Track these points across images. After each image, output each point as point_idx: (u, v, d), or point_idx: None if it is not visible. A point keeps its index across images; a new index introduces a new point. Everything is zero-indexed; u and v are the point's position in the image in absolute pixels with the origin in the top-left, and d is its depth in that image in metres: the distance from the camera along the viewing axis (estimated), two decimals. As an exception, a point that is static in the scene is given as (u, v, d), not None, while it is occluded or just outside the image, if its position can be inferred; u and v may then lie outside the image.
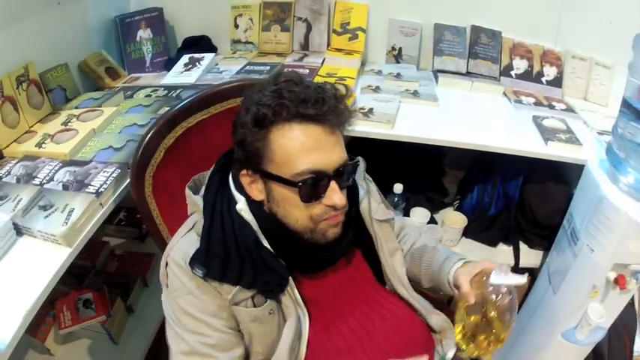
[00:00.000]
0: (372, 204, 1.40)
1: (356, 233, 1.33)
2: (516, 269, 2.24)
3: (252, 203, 1.16)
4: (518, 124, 2.11)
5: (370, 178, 1.50)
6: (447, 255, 1.41)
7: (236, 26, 2.54)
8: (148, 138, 1.42)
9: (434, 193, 2.48)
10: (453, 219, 2.29)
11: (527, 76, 2.43)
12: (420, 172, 2.43)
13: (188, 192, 1.24)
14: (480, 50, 2.44)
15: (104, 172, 1.60)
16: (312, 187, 1.09)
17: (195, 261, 1.11)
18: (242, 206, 1.16)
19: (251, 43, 2.55)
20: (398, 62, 2.53)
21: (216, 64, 2.35)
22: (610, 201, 1.60)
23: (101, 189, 1.52)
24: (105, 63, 2.32)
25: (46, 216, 1.43)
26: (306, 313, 1.21)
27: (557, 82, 2.44)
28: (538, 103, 2.26)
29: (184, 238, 1.18)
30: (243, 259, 1.12)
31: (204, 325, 1.14)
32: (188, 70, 2.23)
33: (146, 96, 2.11)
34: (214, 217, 1.15)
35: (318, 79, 2.14)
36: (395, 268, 1.42)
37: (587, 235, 1.71)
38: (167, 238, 1.44)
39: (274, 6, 2.47)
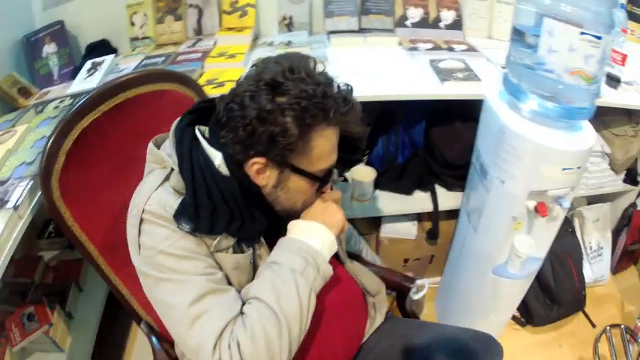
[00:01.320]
0: None
1: None
2: (437, 214, 2.40)
3: (229, 162, 1.20)
4: (414, 70, 2.20)
5: None
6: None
7: (132, 24, 2.64)
8: (49, 145, 1.48)
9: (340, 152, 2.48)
10: (361, 173, 2.36)
11: (423, 23, 2.52)
12: None
13: (152, 147, 1.28)
14: (371, 6, 2.53)
15: (19, 186, 1.70)
16: (327, 179, 1.27)
17: (182, 215, 1.13)
18: (220, 162, 1.20)
19: (148, 37, 2.65)
20: (290, 31, 2.63)
21: (117, 65, 2.45)
22: (513, 130, 1.67)
23: (18, 202, 1.63)
24: (17, 84, 2.43)
25: None
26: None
27: (456, 24, 2.53)
28: (436, 48, 2.36)
29: (158, 191, 1.19)
30: (230, 208, 1.18)
31: (206, 264, 1.17)
32: (91, 75, 2.34)
33: (54, 108, 2.21)
34: (194, 171, 1.17)
35: (209, 60, 2.30)
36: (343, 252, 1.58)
37: (496, 168, 1.78)
38: (80, 237, 1.52)
39: None
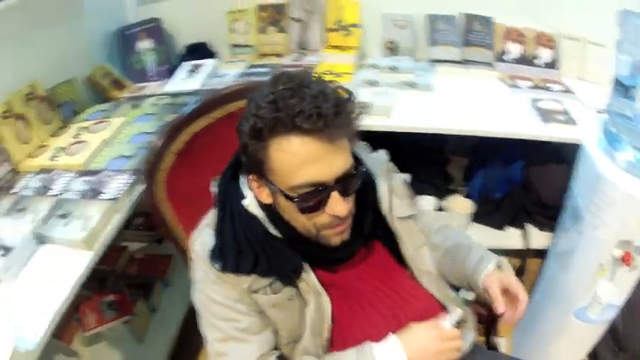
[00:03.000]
0: (394, 201, 1.42)
1: (375, 228, 1.38)
2: (526, 251, 2.39)
3: (275, 213, 1.22)
4: (516, 107, 2.21)
5: (396, 171, 1.54)
6: (480, 255, 1.42)
7: (233, 31, 2.73)
8: (158, 144, 1.52)
9: (439, 181, 2.59)
10: (460, 204, 2.42)
11: (522, 60, 2.54)
12: (424, 161, 2.55)
13: (212, 185, 1.34)
14: (473, 38, 2.58)
15: (117, 179, 1.77)
16: (310, 200, 1.11)
17: (212, 256, 1.20)
18: (249, 201, 1.23)
19: (249, 46, 2.74)
20: (394, 55, 2.71)
21: (218, 69, 2.55)
22: (608, 178, 1.70)
23: (117, 195, 1.69)
24: (110, 75, 2.54)
25: (66, 224, 1.61)
26: (327, 298, 1.27)
27: (552, 64, 2.54)
28: (535, 86, 2.37)
29: (202, 231, 1.27)
30: (255, 250, 1.19)
31: (233, 311, 1.22)
32: (191, 76, 2.41)
33: (152, 104, 2.31)
34: (225, 211, 1.23)
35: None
36: (422, 261, 1.46)
37: (590, 213, 1.81)
38: (182, 239, 1.54)
39: (269, 8, 2.67)
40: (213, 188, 1.31)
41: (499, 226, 2.46)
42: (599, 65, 2.45)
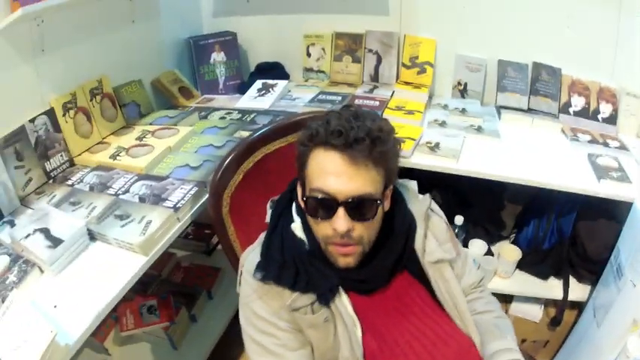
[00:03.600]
0: (430, 244, 1.46)
1: (409, 267, 1.45)
2: (564, 303, 2.42)
3: (307, 225, 1.34)
4: (574, 161, 2.25)
5: (440, 215, 1.58)
6: (497, 348, 1.42)
7: (308, 55, 2.80)
8: (229, 161, 1.62)
9: (492, 226, 2.62)
10: (508, 251, 2.46)
11: (584, 113, 2.59)
12: (481, 205, 2.59)
13: (268, 207, 1.47)
14: (540, 87, 2.64)
15: (181, 188, 1.80)
16: (318, 205, 1.24)
17: (257, 267, 1.32)
18: (297, 225, 1.37)
19: (322, 72, 2.81)
20: (463, 97, 2.78)
21: (289, 91, 2.61)
22: None
23: (179, 204, 1.72)
24: (178, 82, 2.59)
25: (123, 225, 1.64)
26: (358, 324, 1.33)
27: (612, 119, 2.57)
28: (593, 141, 2.42)
29: (255, 249, 1.40)
30: (296, 266, 1.31)
31: (273, 326, 1.32)
32: (262, 95, 2.53)
33: (221, 118, 2.37)
34: (276, 230, 1.38)
35: (388, 112, 2.41)
36: (457, 304, 1.46)
37: (632, 271, 1.89)
38: (240, 254, 1.57)
39: (346, 37, 2.74)
40: (269, 207, 1.45)
41: (544, 277, 2.49)
42: None
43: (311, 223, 1.29)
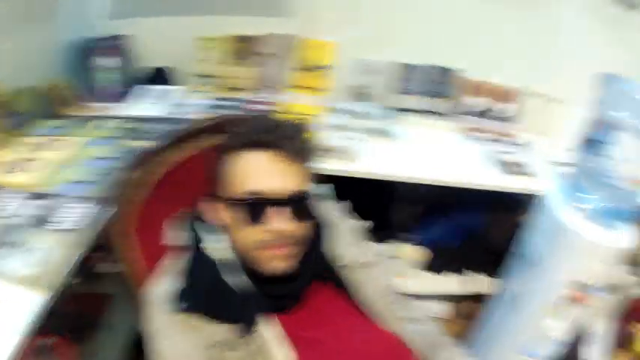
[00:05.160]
0: (347, 248, 1.43)
1: (327, 273, 1.38)
2: (473, 296, 2.55)
3: (222, 241, 1.26)
4: (478, 159, 2.37)
5: (354, 218, 1.57)
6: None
7: (202, 59, 2.65)
8: (129, 174, 1.44)
9: (392, 228, 2.66)
10: (412, 253, 2.52)
11: (483, 113, 2.69)
12: (379, 208, 2.53)
13: (175, 226, 1.35)
14: (441, 88, 2.70)
15: (77, 207, 1.62)
16: (254, 208, 1.18)
17: (179, 297, 1.18)
18: (214, 245, 1.25)
19: (217, 77, 2.66)
20: (363, 100, 2.75)
21: (183, 97, 2.50)
22: (573, 228, 1.90)
23: (76, 226, 1.54)
24: (67, 90, 2.40)
25: (13, 255, 1.41)
26: (288, 351, 1.21)
27: (510, 118, 2.70)
28: (496, 140, 2.54)
29: (165, 276, 1.27)
30: (224, 291, 1.20)
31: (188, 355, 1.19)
32: (156, 102, 2.34)
33: (114, 127, 2.21)
34: (193, 254, 1.25)
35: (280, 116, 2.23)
36: (379, 309, 1.41)
37: (545, 259, 2.01)
38: (144, 278, 1.41)
39: (241, 40, 2.62)
40: (176, 229, 1.32)
41: (447, 274, 2.55)
42: (558, 121, 2.62)
43: (235, 234, 1.23)
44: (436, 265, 2.57)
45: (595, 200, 1.91)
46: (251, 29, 2.59)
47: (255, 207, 1.18)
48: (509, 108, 2.69)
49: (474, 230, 2.59)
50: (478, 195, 2.30)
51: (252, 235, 1.20)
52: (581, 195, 1.95)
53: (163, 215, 1.41)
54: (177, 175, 1.53)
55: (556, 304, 2.01)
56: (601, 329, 2.94)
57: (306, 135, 1.27)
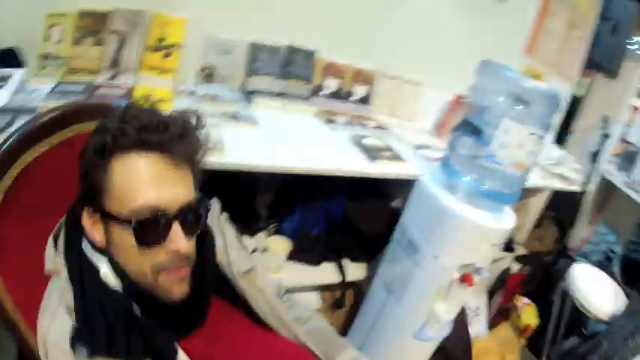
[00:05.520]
0: (232, 254, 1.37)
1: (220, 286, 1.31)
2: (344, 285, 2.56)
3: (115, 264, 1.08)
4: (339, 144, 2.38)
5: (227, 222, 1.49)
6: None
7: (47, 38, 2.32)
8: None
9: (247, 219, 2.59)
10: (277, 244, 2.48)
11: (336, 95, 2.74)
12: (240, 200, 2.49)
13: (50, 244, 1.13)
14: (293, 70, 2.68)
15: None
16: (150, 227, 1.02)
17: (78, 339, 1.00)
18: (106, 271, 1.08)
19: (60, 57, 2.35)
20: (210, 82, 2.60)
21: (26, 83, 2.16)
22: (454, 211, 2.01)
23: None
24: None
25: None
26: None
27: (365, 100, 2.78)
28: (350, 122, 2.56)
29: (58, 316, 1.05)
30: (127, 328, 1.03)
31: None
32: None
33: None
34: (84, 284, 1.05)
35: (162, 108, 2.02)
36: (276, 315, 1.40)
37: (430, 244, 2.10)
38: (12, 313, 1.22)
39: (90, 16, 2.32)
40: (51, 250, 1.12)
41: (316, 263, 2.55)
42: (412, 103, 2.83)
43: (126, 256, 1.06)
44: (296, 254, 2.51)
45: (473, 183, 2.02)
46: (102, 3, 2.30)
47: (150, 225, 1.01)
48: (362, 90, 2.75)
49: (338, 217, 2.58)
50: (342, 181, 2.29)
51: (147, 258, 1.04)
52: (459, 179, 2.05)
53: (21, 231, 1.24)
54: (34, 176, 1.26)
55: (446, 287, 2.10)
56: (482, 304, 3.19)
57: (197, 133, 1.10)
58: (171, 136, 1.01)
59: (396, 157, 2.32)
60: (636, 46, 4.49)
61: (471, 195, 2.03)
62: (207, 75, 2.57)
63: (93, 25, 2.33)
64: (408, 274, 2.18)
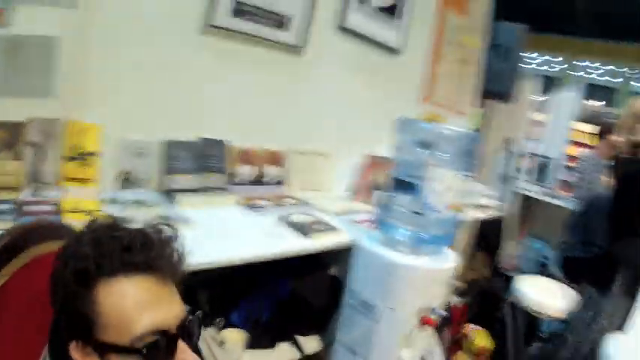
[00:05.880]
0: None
1: None
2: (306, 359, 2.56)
3: None
4: (270, 227, 2.36)
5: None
6: None
7: None
8: None
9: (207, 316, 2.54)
10: (233, 336, 2.40)
11: (253, 180, 2.76)
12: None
13: None
14: (209, 163, 2.64)
15: None
16: (158, 349, 0.94)
17: None
18: None
19: None
20: (129, 187, 2.47)
21: None
22: (398, 264, 2.13)
23: None
24: None
25: None
26: None
27: (280, 180, 2.83)
28: (272, 205, 2.57)
29: None
30: None
31: None
32: None
33: None
34: None
35: (68, 216, 1.96)
36: None
37: (385, 300, 2.18)
38: None
39: (2, 128, 2.15)
40: None
41: (272, 346, 2.52)
42: (324, 174, 2.92)
43: None
44: (250, 342, 2.44)
45: (413, 234, 2.14)
46: (15, 113, 2.16)
47: (158, 347, 0.94)
48: (275, 170, 2.79)
49: (285, 297, 2.59)
50: (284, 260, 2.26)
51: None
52: (399, 234, 2.17)
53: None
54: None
55: (408, 334, 2.18)
56: (433, 344, 3.25)
57: (175, 244, 1.03)
58: (157, 254, 0.98)
59: (328, 228, 2.38)
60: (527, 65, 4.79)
61: (413, 245, 2.15)
62: (125, 180, 2.45)
63: (8, 137, 2.17)
64: (368, 332, 2.25)
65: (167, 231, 1.05)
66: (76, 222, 1.58)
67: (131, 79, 2.36)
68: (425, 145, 2.13)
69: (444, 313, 2.26)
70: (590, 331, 2.91)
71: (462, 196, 2.24)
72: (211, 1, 2.44)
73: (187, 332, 1.01)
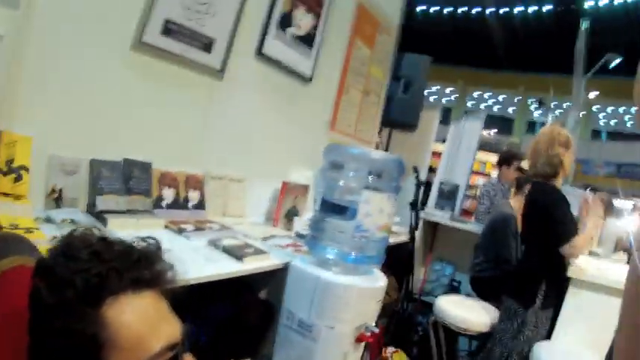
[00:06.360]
0: None
1: None
2: None
3: None
4: (202, 251, 2.33)
5: None
6: None
7: None
8: None
9: None
10: None
11: (175, 204, 2.73)
12: None
13: None
14: (134, 185, 2.57)
15: None
16: None
17: None
18: None
19: None
20: (59, 206, 2.32)
21: None
22: (334, 283, 2.20)
23: None
24: None
25: None
26: None
27: (200, 204, 2.83)
28: (197, 228, 2.55)
29: None
30: None
31: None
32: None
33: None
34: None
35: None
36: None
37: (322, 319, 2.23)
38: None
39: None
40: None
41: None
42: (239, 200, 2.98)
43: None
44: None
45: (345, 254, 2.23)
46: None
47: None
48: (196, 195, 2.80)
49: (222, 321, 2.54)
50: (219, 284, 2.26)
51: None
52: (332, 254, 2.26)
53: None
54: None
55: (347, 351, 2.25)
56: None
57: (165, 260, 1.00)
58: (161, 270, 0.96)
59: (259, 252, 2.38)
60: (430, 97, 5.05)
61: (346, 265, 2.25)
62: (56, 199, 2.31)
63: None
64: (308, 351, 2.27)
65: (155, 245, 1.03)
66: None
67: (61, 90, 2.26)
68: (357, 169, 2.23)
69: (377, 330, 2.32)
70: (517, 342, 3.07)
71: (391, 218, 2.36)
72: (142, 17, 2.42)
73: (188, 343, 0.99)
